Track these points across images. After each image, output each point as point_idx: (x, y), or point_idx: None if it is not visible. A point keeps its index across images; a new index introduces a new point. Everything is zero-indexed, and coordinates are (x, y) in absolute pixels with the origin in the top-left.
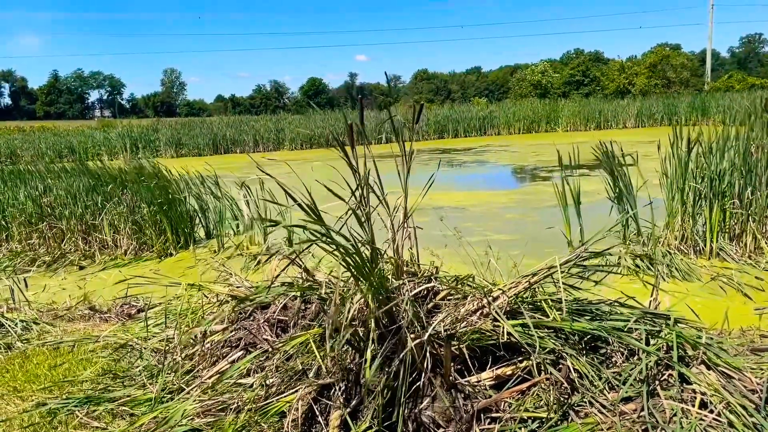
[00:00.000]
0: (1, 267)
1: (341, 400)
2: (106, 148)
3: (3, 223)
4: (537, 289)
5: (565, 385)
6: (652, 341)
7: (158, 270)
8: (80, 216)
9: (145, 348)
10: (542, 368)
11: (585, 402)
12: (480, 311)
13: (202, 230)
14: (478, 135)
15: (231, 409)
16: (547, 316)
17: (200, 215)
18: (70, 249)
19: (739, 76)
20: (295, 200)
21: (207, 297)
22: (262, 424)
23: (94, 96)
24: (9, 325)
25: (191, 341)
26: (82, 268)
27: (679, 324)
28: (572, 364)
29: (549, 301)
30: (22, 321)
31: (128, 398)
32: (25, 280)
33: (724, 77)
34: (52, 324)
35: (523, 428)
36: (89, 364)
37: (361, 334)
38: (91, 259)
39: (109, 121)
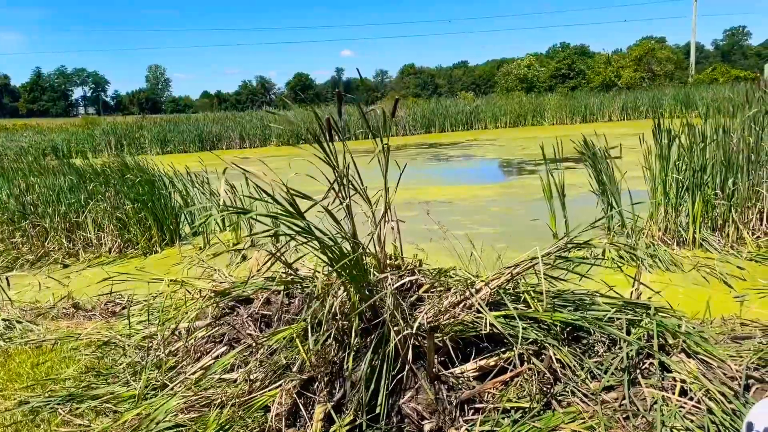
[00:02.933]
0: None
1: (325, 394)
2: (90, 145)
3: None
4: (520, 281)
5: (548, 375)
6: (633, 331)
7: (143, 267)
8: (64, 214)
9: (128, 345)
10: (525, 359)
11: (567, 391)
12: (463, 303)
13: (188, 227)
14: (465, 129)
15: (215, 404)
16: (530, 308)
17: (185, 212)
18: (54, 247)
19: (723, 68)
20: (271, 195)
21: (190, 293)
22: (246, 419)
23: (77, 93)
24: None
25: (175, 337)
26: (65, 266)
27: (659, 313)
28: (554, 354)
29: (531, 292)
30: (4, 320)
31: (111, 395)
32: (7, 278)
33: (708, 70)
34: (35, 322)
35: (506, 418)
36: (72, 362)
37: (344, 328)
38: (75, 258)
39: (94, 119)
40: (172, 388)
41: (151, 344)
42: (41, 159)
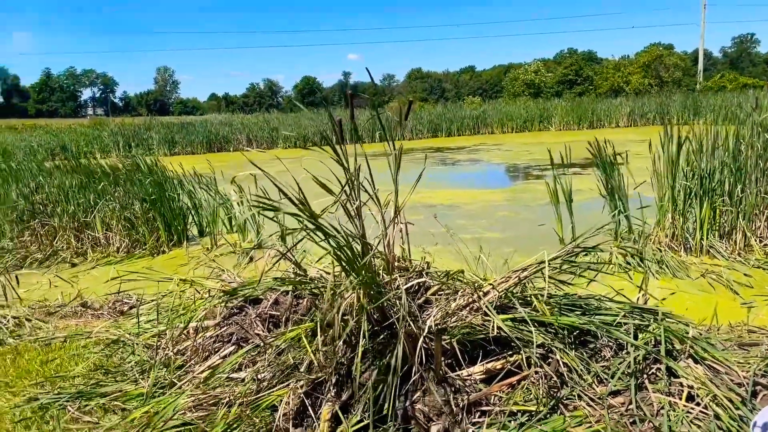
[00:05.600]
0: None
1: (332, 394)
2: (98, 146)
3: None
4: (527, 285)
5: (555, 378)
6: (640, 335)
7: (151, 267)
8: (72, 213)
9: (137, 344)
10: (532, 362)
11: (574, 395)
12: (470, 306)
13: (195, 228)
14: (472, 134)
15: (223, 403)
16: (537, 311)
17: (193, 213)
18: (62, 246)
19: (731, 75)
20: (285, 195)
21: (199, 293)
22: (254, 418)
23: (86, 94)
24: (1, 321)
25: (183, 336)
26: (74, 265)
27: (667, 319)
28: (561, 358)
29: (539, 296)
30: (14, 317)
31: (120, 393)
32: (16, 277)
33: (716, 77)
34: (44, 320)
35: (512, 421)
36: (81, 360)
37: (352, 329)
38: (83, 257)
39: (102, 120)
40: (180, 387)
41: (159, 343)
42: (50, 159)
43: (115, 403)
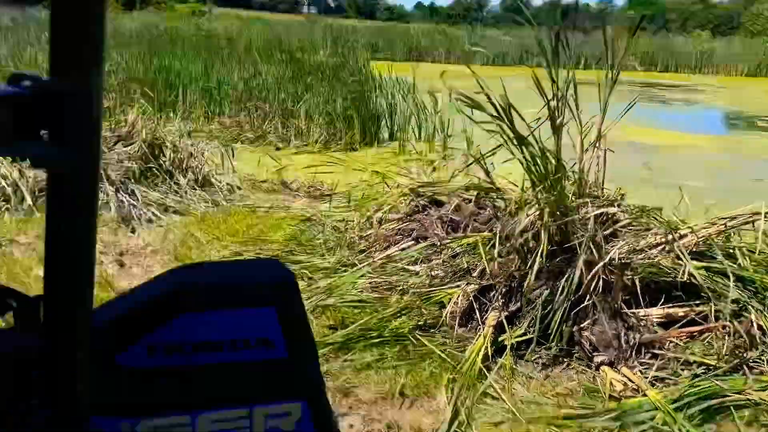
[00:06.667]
0: (214, 136)
1: (500, 303)
2: (309, 43)
3: (218, 98)
4: (732, 235)
5: (744, 338)
6: None
7: (344, 162)
8: (282, 101)
9: (326, 224)
10: (721, 316)
11: (763, 360)
12: (662, 247)
13: (386, 131)
14: (693, 72)
15: (396, 289)
16: (739, 266)
17: (386, 116)
18: (270, 130)
19: None
20: (490, 99)
21: (389, 186)
22: (423, 309)
23: None
24: (217, 185)
25: (368, 225)
26: (278, 149)
27: None
28: (757, 319)
29: (744, 250)
30: (228, 184)
31: (308, 264)
32: (232, 149)
33: None
34: (251, 191)
35: (685, 370)
36: (278, 230)
37: (530, 246)
38: (286, 143)
39: (315, 17)
40: (360, 268)
41: (346, 227)
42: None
43: (304, 271)
